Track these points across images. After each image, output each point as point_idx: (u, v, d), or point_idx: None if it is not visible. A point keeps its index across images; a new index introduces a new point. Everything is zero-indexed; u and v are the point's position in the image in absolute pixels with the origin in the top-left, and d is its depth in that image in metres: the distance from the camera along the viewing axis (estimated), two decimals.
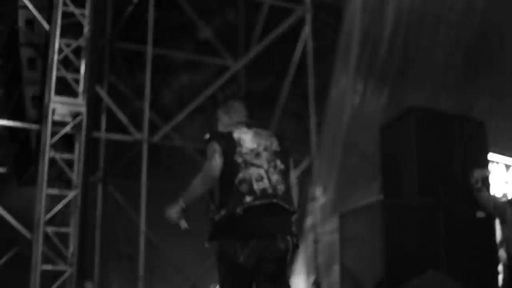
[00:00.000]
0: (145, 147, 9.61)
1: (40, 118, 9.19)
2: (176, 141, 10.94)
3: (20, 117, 9.59)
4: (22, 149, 9.90)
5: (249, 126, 5.25)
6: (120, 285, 13.85)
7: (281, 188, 5.02)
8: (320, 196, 10.86)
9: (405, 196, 8.36)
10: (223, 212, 4.90)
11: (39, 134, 9.13)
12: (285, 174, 5.14)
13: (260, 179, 4.99)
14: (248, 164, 5.02)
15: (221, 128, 5.27)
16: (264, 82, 12.98)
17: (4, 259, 9.98)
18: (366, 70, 12.42)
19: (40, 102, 9.28)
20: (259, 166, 5.04)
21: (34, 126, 9.29)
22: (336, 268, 9.71)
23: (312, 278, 10.68)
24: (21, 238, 9.74)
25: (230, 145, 5.02)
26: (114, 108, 10.12)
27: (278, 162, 5.14)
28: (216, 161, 4.91)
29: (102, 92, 10.30)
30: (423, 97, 11.64)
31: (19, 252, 10.60)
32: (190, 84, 13.13)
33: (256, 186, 4.95)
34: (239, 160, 5.01)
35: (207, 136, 5.11)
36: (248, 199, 4.89)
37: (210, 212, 5.06)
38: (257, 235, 4.90)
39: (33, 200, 8.60)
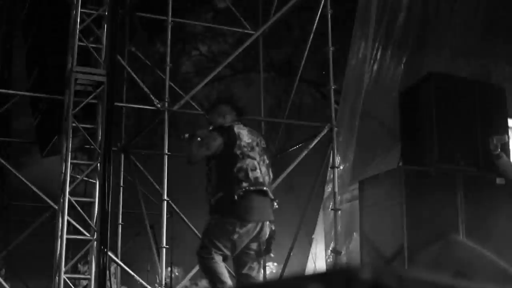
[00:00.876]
0: (166, 116, 9.68)
1: (63, 88, 9.28)
2: (196, 110, 11.00)
3: (42, 88, 9.69)
4: (45, 119, 10.01)
5: (244, 124, 6.44)
6: (142, 253, 14.04)
7: (267, 179, 6.21)
8: (338, 164, 10.91)
9: (425, 163, 8.39)
10: (220, 194, 6.04)
11: (61, 104, 9.23)
12: (268, 168, 6.34)
13: (254, 169, 6.09)
14: (245, 156, 6.11)
15: (222, 122, 6.36)
16: (283, 51, 13.01)
17: (30, 229, 10.14)
18: (385, 37, 12.39)
19: (62, 73, 9.36)
20: (253, 158, 6.15)
21: (57, 97, 9.38)
22: (356, 236, 9.79)
23: (331, 246, 10.77)
24: (46, 208, 9.92)
25: (231, 138, 6.14)
26: (135, 77, 10.19)
27: (265, 157, 6.33)
28: (218, 142, 6.10)
29: (123, 62, 10.37)
30: (442, 64, 11.62)
31: (44, 222, 10.78)
32: (209, 54, 13.20)
33: (251, 175, 6.04)
34: (238, 152, 6.10)
35: (211, 127, 6.36)
36: (244, 184, 5.99)
37: (208, 193, 6.22)
38: (252, 220, 6.02)
39: (57, 170, 8.70)
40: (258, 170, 6.13)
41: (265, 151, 6.42)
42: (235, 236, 6.03)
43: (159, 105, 9.76)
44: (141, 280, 10.07)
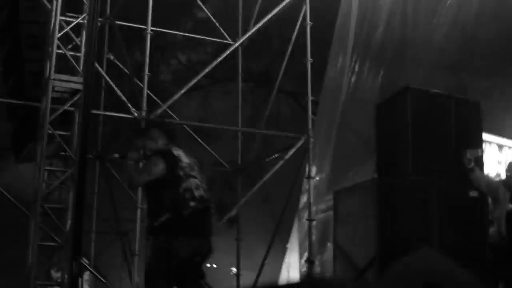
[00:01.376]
0: (143, 125, 9.67)
1: (39, 96, 9.26)
2: (173, 120, 11.00)
3: (19, 95, 9.66)
4: (21, 126, 9.97)
5: (177, 146, 6.60)
6: (117, 261, 13.98)
7: (208, 195, 6.41)
8: (314, 174, 10.95)
9: (400, 175, 8.44)
10: (166, 216, 6.19)
11: (38, 111, 9.20)
12: (207, 185, 6.53)
13: (198, 187, 6.32)
14: (188, 176, 6.32)
15: (154, 147, 6.53)
16: (262, 61, 13.05)
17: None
18: (363, 50, 12.47)
19: (39, 80, 9.34)
20: (194, 177, 6.37)
21: (33, 104, 9.35)
22: (330, 246, 9.82)
23: (305, 256, 10.79)
24: (20, 214, 9.89)
25: (172, 161, 6.32)
26: (113, 86, 10.17)
27: (202, 176, 6.52)
28: (160, 167, 6.22)
29: (101, 70, 10.36)
30: (419, 77, 11.70)
31: (18, 228, 10.74)
32: (188, 63, 13.21)
33: (196, 193, 6.27)
34: (181, 173, 6.29)
35: (151, 151, 6.49)
36: (192, 203, 6.22)
37: (150, 216, 6.38)
38: (199, 235, 6.31)
39: (31, 177, 8.67)
40: (201, 189, 6.38)
41: (201, 170, 6.63)
42: (182, 254, 6.25)
43: (136, 114, 9.76)
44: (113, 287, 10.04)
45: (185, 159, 6.47)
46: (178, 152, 6.51)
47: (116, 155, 6.79)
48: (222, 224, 10.80)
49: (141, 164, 6.75)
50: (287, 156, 10.67)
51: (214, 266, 16.54)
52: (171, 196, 6.28)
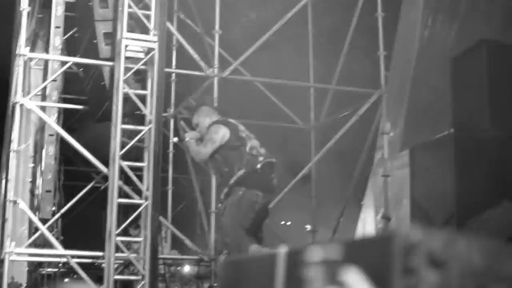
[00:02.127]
0: (215, 82, 9.70)
1: (113, 55, 9.34)
2: (245, 76, 11.00)
3: (93, 55, 9.76)
4: (96, 86, 10.09)
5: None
6: (193, 218, 14.17)
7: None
8: (389, 130, 10.85)
9: (476, 130, 8.31)
10: (241, 172, 6.67)
11: (112, 70, 9.29)
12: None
13: (259, 146, 6.83)
14: (249, 137, 6.85)
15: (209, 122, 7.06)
16: (333, 16, 12.89)
17: (82, 193, 10.33)
18: (436, 3, 12.22)
19: (112, 39, 9.42)
20: (254, 139, 6.89)
21: (107, 63, 9.44)
22: (406, 203, 9.75)
23: (381, 212, 10.75)
24: (97, 173, 10.07)
25: (233, 126, 6.87)
26: (184, 43, 10.21)
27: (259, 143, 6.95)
28: (221, 133, 6.76)
29: (172, 29, 10.40)
30: (492, 32, 11.43)
31: (96, 187, 10.96)
32: (258, 20, 13.14)
33: (261, 151, 6.78)
34: (243, 135, 6.84)
35: (208, 125, 6.99)
36: (260, 158, 6.73)
37: (224, 175, 6.86)
38: (268, 190, 6.79)
39: (108, 136, 8.78)
40: (263, 148, 6.87)
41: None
42: (257, 207, 6.68)
43: (208, 72, 9.79)
44: (191, 244, 10.17)
45: (241, 126, 6.96)
46: (232, 121, 7.01)
47: (176, 140, 7.24)
48: (296, 182, 10.81)
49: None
50: (361, 112, 10.59)
51: (289, 223, 16.64)
52: (240, 156, 6.73)
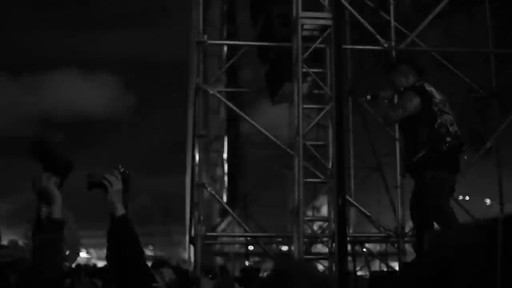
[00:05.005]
0: (393, 55, 9.56)
1: (289, 36, 9.37)
2: (421, 47, 10.73)
3: (269, 37, 9.84)
4: (273, 68, 10.17)
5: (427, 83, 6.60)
6: (372, 195, 14.05)
7: (460, 132, 6.46)
8: None
9: None
10: (423, 151, 6.31)
11: (288, 51, 9.31)
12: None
13: (451, 123, 6.39)
14: (441, 112, 6.38)
15: (405, 83, 6.62)
16: None
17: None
18: None
19: (287, 20, 9.45)
20: (448, 113, 6.43)
21: (283, 44, 9.50)
22: None
23: None
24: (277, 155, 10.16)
25: (426, 97, 6.40)
26: (359, 18, 10.08)
27: (453, 112, 6.53)
28: (415, 102, 6.36)
29: (347, 4, 10.28)
30: None
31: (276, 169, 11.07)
32: None
33: (451, 129, 6.34)
34: (435, 108, 6.37)
35: (403, 87, 6.60)
36: (448, 139, 6.31)
37: (408, 152, 6.62)
38: (455, 170, 6.48)
39: (283, 118, 8.84)
40: (454, 124, 6.43)
41: (451, 106, 6.61)
42: (446, 188, 6.39)
43: (385, 45, 9.65)
44: (377, 222, 10.05)
45: (437, 95, 6.51)
46: (430, 88, 6.56)
47: (369, 97, 6.91)
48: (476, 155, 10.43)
49: (395, 101, 6.78)
50: None
51: (467, 198, 16.24)
52: (427, 132, 6.38)
